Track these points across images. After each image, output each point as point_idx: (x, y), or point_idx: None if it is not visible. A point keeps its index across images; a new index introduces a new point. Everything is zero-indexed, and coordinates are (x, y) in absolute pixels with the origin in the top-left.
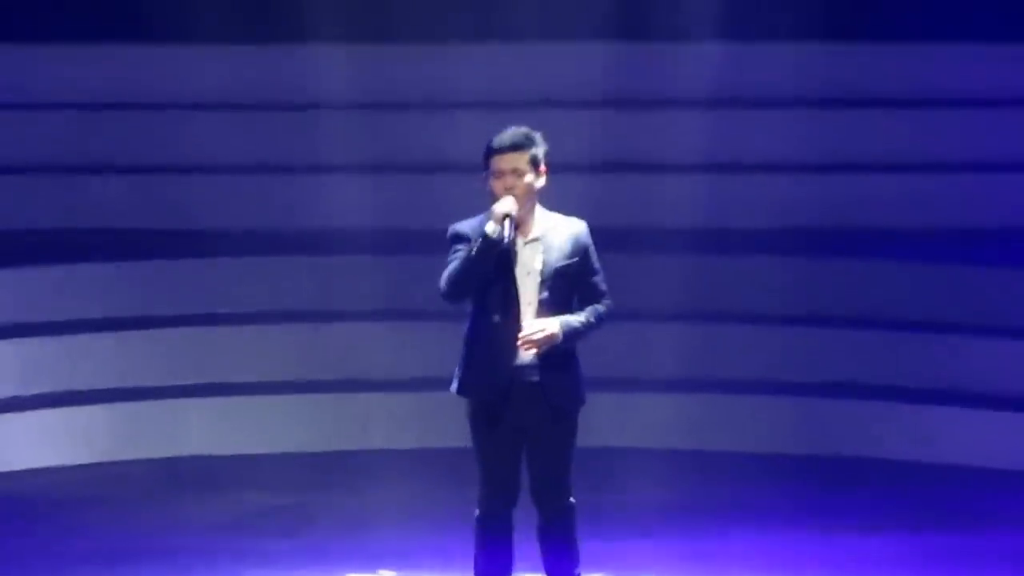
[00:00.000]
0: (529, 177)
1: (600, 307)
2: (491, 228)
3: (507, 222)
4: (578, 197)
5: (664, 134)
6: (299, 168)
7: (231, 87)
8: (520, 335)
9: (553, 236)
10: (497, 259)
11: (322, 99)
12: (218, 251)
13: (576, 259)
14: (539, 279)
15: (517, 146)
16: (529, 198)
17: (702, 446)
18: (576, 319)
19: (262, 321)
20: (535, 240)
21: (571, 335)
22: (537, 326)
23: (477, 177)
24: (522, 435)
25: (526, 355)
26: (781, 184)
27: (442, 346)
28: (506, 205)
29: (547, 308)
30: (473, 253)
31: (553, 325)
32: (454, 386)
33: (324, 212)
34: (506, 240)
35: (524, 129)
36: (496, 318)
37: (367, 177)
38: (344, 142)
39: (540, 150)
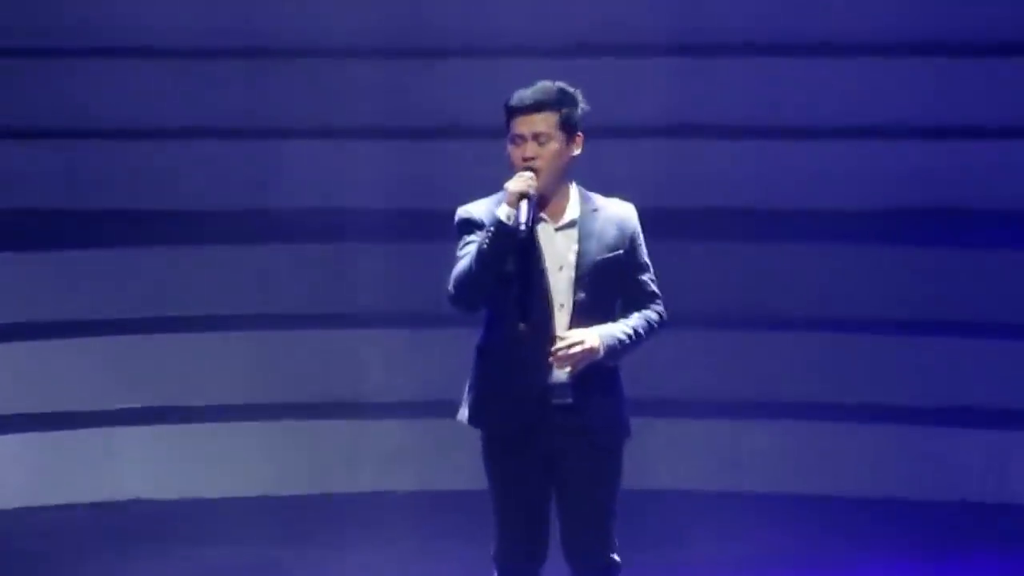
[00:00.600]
0: (555, 145)
1: (651, 313)
2: (504, 212)
3: (524, 204)
4: (629, 169)
5: (725, 88)
6: (275, 132)
7: (181, 25)
8: (552, 348)
9: (592, 221)
10: (518, 252)
11: (306, 42)
12: (164, 238)
13: (621, 251)
14: (574, 275)
15: (541, 104)
16: (558, 172)
17: (780, 487)
18: (622, 329)
19: (221, 327)
20: (569, 226)
21: (615, 350)
22: (574, 337)
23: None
24: (551, 475)
25: (558, 373)
26: (877, 153)
27: (452, 359)
28: (521, 182)
29: (584, 312)
30: (484, 246)
31: (592, 337)
32: (463, 413)
33: (306, 188)
34: (522, 228)
35: (555, 84)
36: (520, 326)
37: (369, 143)
38: (339, 98)
39: (575, 110)
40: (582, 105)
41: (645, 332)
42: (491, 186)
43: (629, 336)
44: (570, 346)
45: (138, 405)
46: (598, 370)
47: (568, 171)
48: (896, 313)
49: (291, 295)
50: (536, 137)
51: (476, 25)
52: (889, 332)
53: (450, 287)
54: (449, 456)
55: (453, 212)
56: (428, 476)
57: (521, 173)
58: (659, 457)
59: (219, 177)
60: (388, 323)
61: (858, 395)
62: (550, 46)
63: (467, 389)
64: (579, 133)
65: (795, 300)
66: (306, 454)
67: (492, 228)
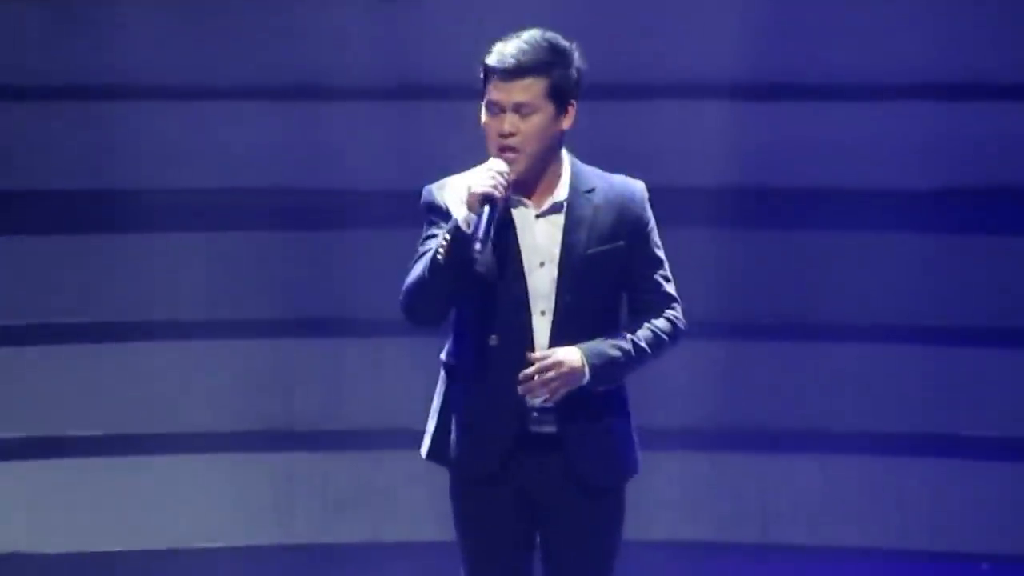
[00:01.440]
0: (540, 118)
1: (662, 321)
2: (463, 216)
3: (485, 211)
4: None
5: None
6: (238, 91)
7: None
8: (520, 373)
9: (584, 205)
10: (493, 248)
11: None
12: (104, 223)
13: (622, 242)
14: (556, 273)
15: (526, 68)
16: (542, 151)
17: (811, 539)
18: (615, 344)
19: (182, 335)
20: (553, 211)
21: (605, 372)
22: (549, 359)
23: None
24: (534, 523)
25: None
26: (936, 118)
27: (413, 377)
28: (487, 179)
29: (571, 320)
30: (439, 254)
31: (573, 356)
32: (425, 446)
33: (279, 164)
34: (478, 244)
35: (545, 36)
36: (492, 339)
37: (368, 105)
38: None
39: (568, 73)
40: (578, 65)
41: (651, 346)
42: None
43: (626, 353)
44: (544, 370)
45: (17, 435)
46: (593, 396)
47: (557, 147)
48: (955, 319)
49: (273, 299)
50: (518, 108)
51: None
52: (945, 343)
53: (400, 296)
54: (407, 497)
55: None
56: (380, 524)
57: (490, 164)
58: (656, 501)
59: (137, 147)
60: (334, 332)
61: (911, 423)
62: None
63: (430, 415)
64: (572, 102)
65: (830, 303)
66: (232, 497)
67: (447, 235)
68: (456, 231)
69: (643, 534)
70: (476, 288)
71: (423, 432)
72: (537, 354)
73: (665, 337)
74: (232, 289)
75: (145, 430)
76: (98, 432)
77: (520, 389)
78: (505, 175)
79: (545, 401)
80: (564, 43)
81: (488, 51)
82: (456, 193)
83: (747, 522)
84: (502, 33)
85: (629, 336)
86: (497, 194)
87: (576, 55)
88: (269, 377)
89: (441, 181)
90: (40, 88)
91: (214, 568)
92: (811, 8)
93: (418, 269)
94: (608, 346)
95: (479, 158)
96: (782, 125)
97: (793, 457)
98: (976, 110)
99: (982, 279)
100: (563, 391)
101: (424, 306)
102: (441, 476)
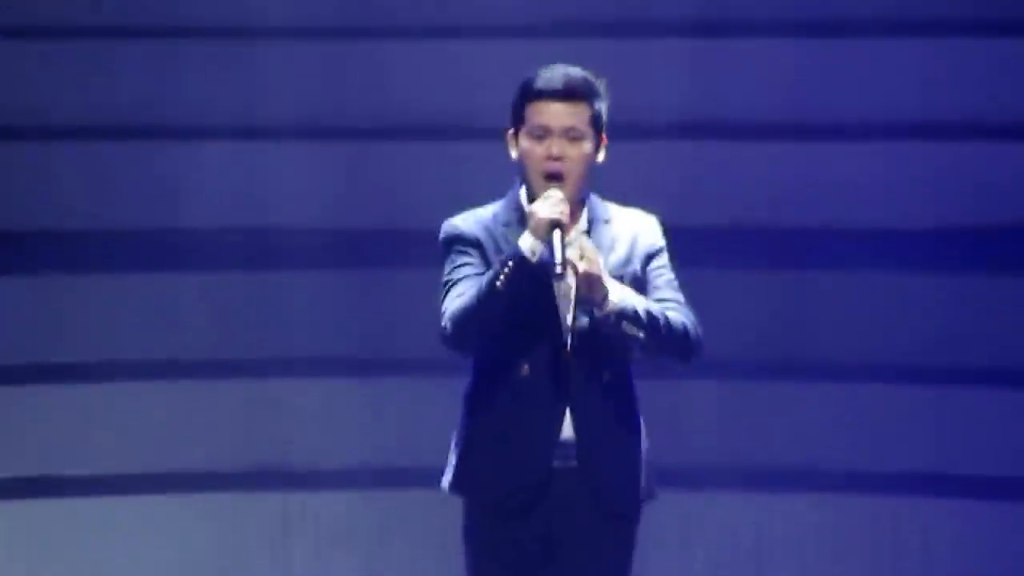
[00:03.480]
0: (587, 146)
1: (679, 316)
2: (528, 245)
3: (557, 236)
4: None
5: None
6: (182, 129)
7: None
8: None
9: (602, 233)
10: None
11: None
12: (36, 264)
13: (636, 267)
14: (573, 297)
15: (576, 92)
16: (583, 182)
17: None
18: (640, 298)
19: (111, 377)
20: (577, 239)
21: (624, 307)
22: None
23: (495, 144)
24: (549, 563)
25: (566, 430)
26: (942, 156)
27: (408, 415)
28: (551, 206)
29: (585, 344)
30: (500, 284)
31: (606, 276)
32: (446, 479)
33: (222, 200)
34: (559, 269)
35: (582, 71)
36: (524, 370)
37: (314, 144)
38: (265, 89)
39: (603, 106)
40: (607, 101)
41: (667, 321)
42: (460, 198)
43: (646, 310)
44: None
45: (11, 475)
46: (615, 419)
47: (588, 180)
48: (954, 359)
49: (225, 338)
50: (566, 133)
51: None
52: (943, 382)
53: (446, 323)
54: (403, 536)
55: (406, 231)
56: (374, 561)
57: (548, 193)
58: (652, 540)
59: (110, 187)
60: (327, 371)
61: (907, 463)
62: (529, 22)
63: (452, 450)
64: (603, 136)
65: (827, 343)
66: (220, 536)
67: (512, 264)
68: (522, 262)
69: (639, 572)
70: (508, 318)
71: (419, 470)
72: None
73: (681, 329)
74: (230, 329)
75: (141, 470)
76: (94, 472)
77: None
78: (562, 201)
79: (579, 284)
80: (597, 78)
81: (529, 79)
82: (472, 224)
83: (742, 561)
84: (485, 75)
85: (649, 303)
86: (564, 220)
87: (604, 87)
88: (264, 416)
89: (460, 215)
90: (41, 128)
91: None
92: (813, 49)
93: (467, 300)
94: (634, 295)
95: (455, 196)
96: (782, 165)
97: (787, 496)
98: (977, 150)
99: (983, 319)
100: (584, 287)
101: (473, 332)
102: (436, 514)
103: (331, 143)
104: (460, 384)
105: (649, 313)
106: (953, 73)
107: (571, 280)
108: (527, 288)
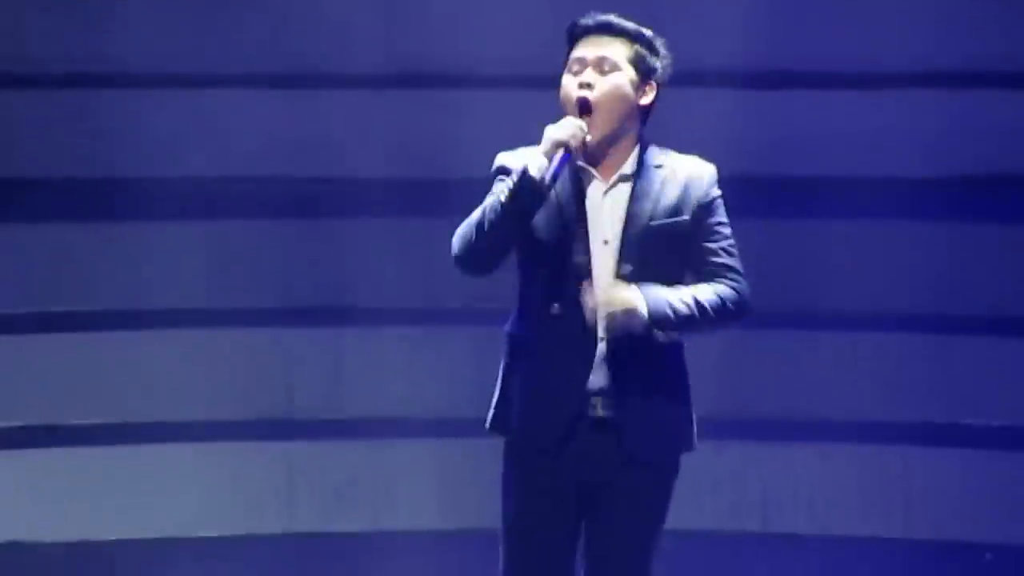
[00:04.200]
0: (622, 78)
1: (724, 288)
2: (536, 164)
3: (559, 155)
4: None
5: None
6: (238, 79)
7: None
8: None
9: (651, 178)
10: (554, 214)
11: None
12: (102, 212)
13: (686, 217)
14: (619, 243)
15: (613, 28)
16: (619, 116)
17: (830, 528)
18: (677, 295)
19: (181, 323)
20: (621, 181)
21: (664, 318)
22: (609, 295)
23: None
24: (582, 499)
25: (598, 376)
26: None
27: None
28: (566, 129)
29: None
30: (502, 199)
31: (633, 296)
32: (488, 419)
33: (279, 153)
34: (547, 180)
35: (629, 19)
36: (555, 308)
37: (368, 93)
38: (287, 35)
39: (652, 57)
40: (664, 56)
41: (713, 309)
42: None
43: (688, 306)
44: (610, 302)
45: (16, 424)
46: (652, 368)
47: (630, 121)
48: (957, 308)
49: (255, 287)
50: (599, 64)
51: None
52: (947, 331)
53: (453, 243)
54: (473, 487)
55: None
56: (380, 513)
57: (569, 118)
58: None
59: (109, 135)
60: (333, 320)
61: (913, 412)
62: None
63: (496, 391)
64: (652, 82)
65: (830, 292)
66: (225, 486)
67: (515, 179)
68: (524, 175)
69: None
70: (542, 257)
71: (423, 420)
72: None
73: (729, 304)
74: (231, 278)
75: (144, 419)
76: (97, 420)
77: (586, 313)
78: (583, 129)
79: (609, 334)
80: (649, 32)
81: (574, 20)
82: (525, 156)
83: (748, 511)
84: (505, 23)
85: (692, 292)
86: (574, 143)
87: (661, 46)
88: (268, 366)
89: (512, 151)
90: (39, 77)
91: (214, 557)
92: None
93: (474, 216)
94: (671, 295)
95: (481, 146)
96: (782, 114)
97: (794, 446)
98: (979, 99)
99: (986, 268)
100: (617, 330)
101: (476, 248)
102: (442, 464)
103: (337, 92)
104: (467, 333)
105: (693, 310)
106: (957, 21)
107: (618, 222)
108: (529, 205)
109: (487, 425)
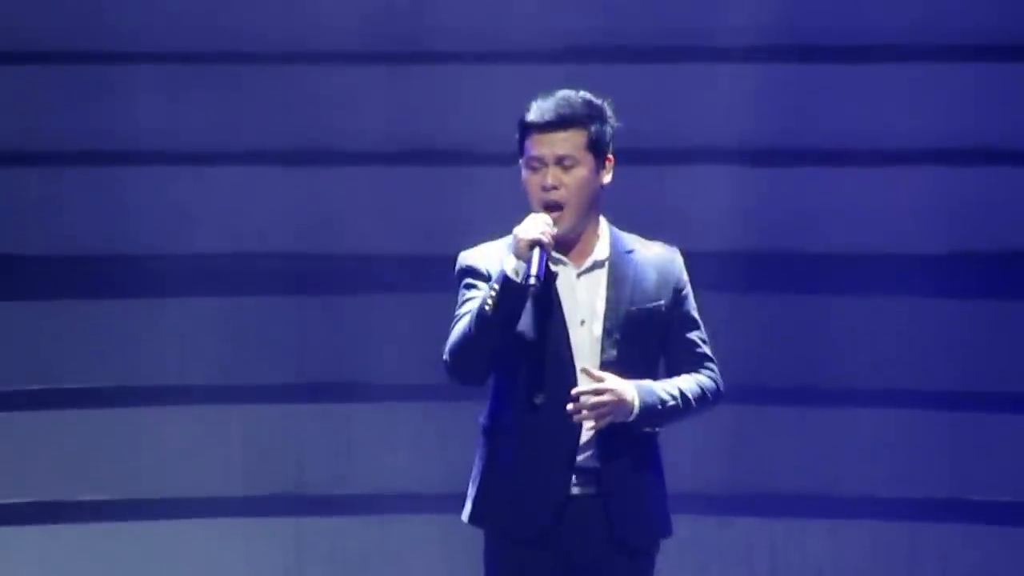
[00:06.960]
0: (584, 171)
1: (704, 379)
2: (512, 266)
3: (536, 254)
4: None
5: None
6: (248, 156)
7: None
8: (573, 392)
9: (625, 264)
10: (533, 308)
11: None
12: (114, 288)
13: (662, 302)
14: (599, 330)
15: (567, 120)
16: (585, 205)
17: None
18: (664, 388)
19: (140, 400)
20: (595, 267)
21: (653, 413)
22: (605, 382)
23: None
24: None
25: (582, 458)
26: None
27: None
28: (535, 227)
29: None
30: (486, 307)
31: (626, 387)
32: (466, 511)
33: (289, 229)
34: (532, 282)
35: (579, 94)
36: (538, 398)
37: (377, 170)
38: (288, 113)
39: (605, 128)
40: (612, 122)
41: (696, 400)
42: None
43: (674, 398)
44: (598, 392)
45: (27, 500)
46: (633, 451)
47: (597, 204)
48: (966, 384)
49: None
50: (560, 161)
51: (479, 21)
52: (955, 407)
53: (445, 355)
54: (418, 563)
55: (417, 257)
56: None
57: (535, 214)
58: (665, 566)
59: (118, 212)
60: (342, 396)
61: (921, 488)
62: (575, 44)
63: (471, 482)
64: (609, 156)
65: (839, 368)
66: (234, 562)
67: (496, 285)
68: (505, 281)
69: None
70: (519, 348)
71: (432, 497)
72: (596, 372)
73: (708, 394)
74: (241, 354)
75: (154, 495)
76: (108, 497)
77: (570, 407)
78: (547, 223)
79: (594, 427)
80: (597, 99)
81: (526, 110)
82: (493, 258)
83: None
84: (512, 99)
85: (677, 384)
86: (546, 240)
87: (609, 110)
88: (278, 441)
89: (475, 248)
90: (50, 153)
91: None
92: (822, 75)
93: (461, 326)
94: (659, 388)
95: (489, 222)
96: (792, 190)
97: (802, 521)
98: (990, 175)
99: (999, 344)
100: (607, 420)
101: (471, 362)
102: (450, 539)
103: (347, 168)
104: (476, 410)
105: (679, 402)
106: (970, 99)
107: (599, 306)
108: (517, 309)
109: (465, 519)
